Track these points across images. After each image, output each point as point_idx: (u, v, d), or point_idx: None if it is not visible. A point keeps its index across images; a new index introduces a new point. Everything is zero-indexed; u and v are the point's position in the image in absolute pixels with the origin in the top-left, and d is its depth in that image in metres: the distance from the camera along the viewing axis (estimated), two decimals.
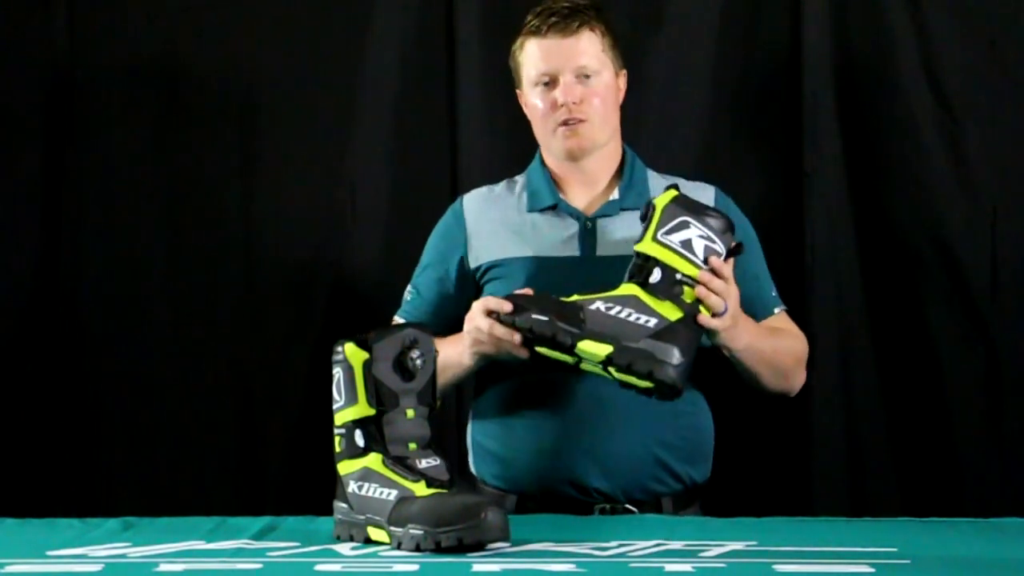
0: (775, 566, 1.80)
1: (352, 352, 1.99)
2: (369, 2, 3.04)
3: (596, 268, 2.39)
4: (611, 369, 2.16)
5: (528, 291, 2.26)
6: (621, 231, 2.42)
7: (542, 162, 2.52)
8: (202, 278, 3.06)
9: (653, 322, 2.16)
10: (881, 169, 2.97)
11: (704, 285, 2.17)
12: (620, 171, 2.51)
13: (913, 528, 2.11)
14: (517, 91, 2.52)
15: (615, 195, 2.47)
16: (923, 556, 1.88)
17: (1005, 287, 2.94)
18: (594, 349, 2.15)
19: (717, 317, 2.21)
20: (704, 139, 3.00)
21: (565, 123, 2.43)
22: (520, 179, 2.54)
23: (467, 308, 2.36)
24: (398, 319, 2.51)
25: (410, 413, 1.99)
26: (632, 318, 2.16)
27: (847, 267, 2.98)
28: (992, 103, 2.95)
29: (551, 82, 2.43)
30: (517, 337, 2.20)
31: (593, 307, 2.17)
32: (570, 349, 2.16)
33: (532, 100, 2.46)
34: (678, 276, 2.18)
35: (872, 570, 1.78)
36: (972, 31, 2.95)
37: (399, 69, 3.04)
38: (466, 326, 2.30)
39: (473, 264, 2.48)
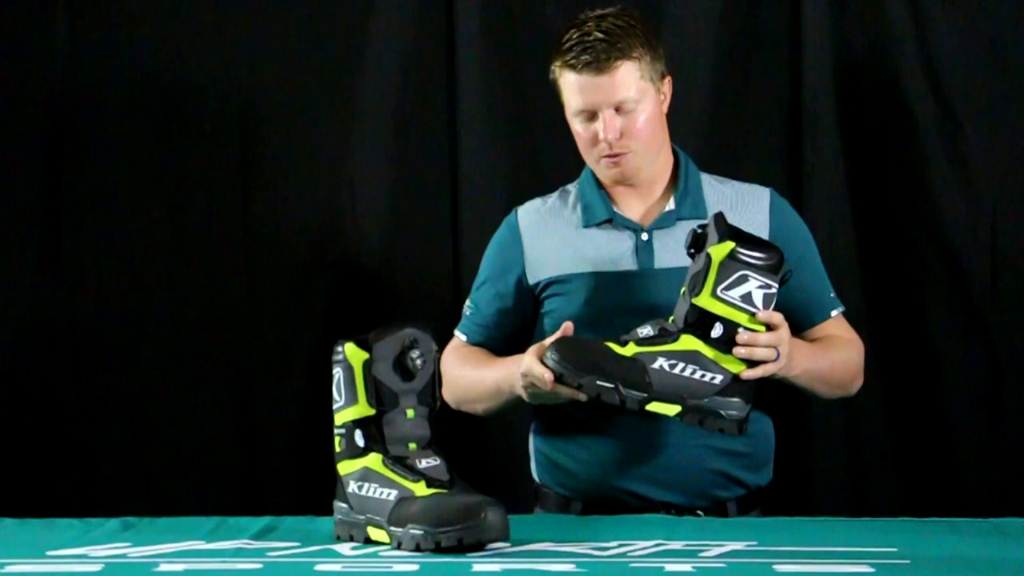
0: (775, 566, 1.80)
1: (352, 352, 1.99)
2: (369, 3, 3.04)
3: (655, 281, 2.36)
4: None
5: (569, 327, 2.22)
6: (678, 242, 2.30)
7: (594, 175, 2.47)
8: (202, 278, 3.06)
9: (719, 379, 2.17)
10: (881, 169, 2.97)
11: (752, 344, 2.16)
12: (675, 176, 2.46)
13: (913, 528, 2.11)
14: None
15: (671, 205, 2.42)
16: (923, 556, 1.88)
17: (1005, 287, 2.94)
18: (662, 410, 2.17)
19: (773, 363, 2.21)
20: (704, 138, 3.00)
21: (608, 155, 2.39)
22: (573, 190, 2.49)
23: (526, 322, 2.41)
24: (459, 335, 2.50)
25: (410, 413, 2.00)
26: (697, 375, 2.17)
27: (847, 267, 2.98)
28: (992, 103, 2.94)
29: (591, 115, 2.37)
30: (583, 396, 2.18)
31: (656, 365, 2.16)
32: (638, 411, 2.18)
33: (575, 127, 2.41)
34: (740, 329, 2.17)
35: (872, 570, 1.78)
36: (972, 31, 2.94)
37: (399, 69, 3.04)
38: (523, 375, 2.24)
39: (532, 280, 2.44)
